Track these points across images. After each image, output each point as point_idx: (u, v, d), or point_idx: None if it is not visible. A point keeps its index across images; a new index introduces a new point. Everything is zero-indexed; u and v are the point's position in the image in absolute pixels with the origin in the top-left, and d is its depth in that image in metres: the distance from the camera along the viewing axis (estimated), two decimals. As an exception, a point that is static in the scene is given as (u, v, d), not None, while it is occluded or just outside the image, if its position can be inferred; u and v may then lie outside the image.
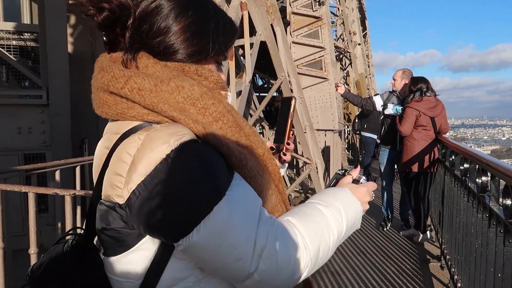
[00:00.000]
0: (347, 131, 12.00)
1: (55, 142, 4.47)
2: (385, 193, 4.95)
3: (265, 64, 8.45)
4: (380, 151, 4.96)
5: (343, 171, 1.02)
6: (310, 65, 8.97)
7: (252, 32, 5.26)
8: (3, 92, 4.47)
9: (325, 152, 7.34)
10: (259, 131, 7.89)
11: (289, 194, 6.20)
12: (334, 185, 0.99)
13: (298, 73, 8.03)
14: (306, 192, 7.28)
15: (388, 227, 4.93)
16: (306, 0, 9.03)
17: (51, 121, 4.49)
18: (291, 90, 6.23)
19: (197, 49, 0.84)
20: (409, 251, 4.18)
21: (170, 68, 0.82)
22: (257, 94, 11.03)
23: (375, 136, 7.84)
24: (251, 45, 5.14)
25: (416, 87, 4.29)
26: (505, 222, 1.89)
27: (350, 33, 13.38)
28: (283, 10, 9.23)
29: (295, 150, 7.20)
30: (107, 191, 0.78)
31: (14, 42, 4.76)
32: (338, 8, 13.25)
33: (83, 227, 0.91)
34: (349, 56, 13.55)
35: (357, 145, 12.08)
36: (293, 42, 9.00)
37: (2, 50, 4.57)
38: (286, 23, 8.94)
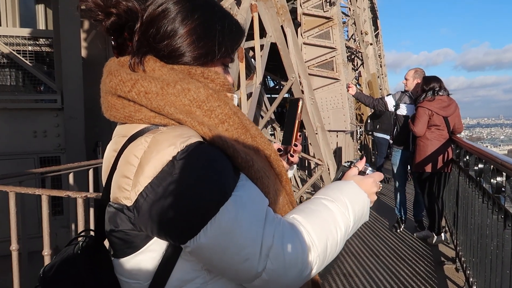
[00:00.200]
0: (360, 131, 11.90)
1: (70, 145, 4.54)
2: (398, 194, 4.89)
3: (276, 65, 8.45)
4: (393, 152, 4.91)
5: (349, 163, 1.01)
6: (322, 66, 8.93)
7: (263, 33, 5.27)
8: (20, 97, 4.57)
9: (337, 153, 7.30)
10: (270, 132, 7.88)
11: (301, 196, 6.17)
12: (341, 178, 0.98)
13: (309, 74, 8.00)
14: (318, 193, 7.22)
15: (401, 229, 4.87)
16: (317, 1, 8.99)
17: (66, 124, 4.56)
18: (302, 91, 6.21)
19: (204, 51, 0.85)
20: (423, 253, 4.12)
21: (176, 71, 0.83)
22: (269, 95, 11.04)
23: (387, 137, 7.77)
24: (262, 46, 5.15)
25: (428, 87, 4.24)
26: (521, 223, 1.85)
27: (361, 33, 13.28)
28: (293, 11, 9.22)
29: (307, 151, 7.17)
30: (115, 193, 0.79)
31: (30, 48, 4.86)
32: (350, 8, 13.17)
33: (94, 229, 0.93)
34: (361, 56, 13.44)
35: (370, 146, 11.97)
36: (304, 43, 8.98)
37: (18, 55, 4.67)
38: (297, 24, 8.92)
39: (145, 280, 0.81)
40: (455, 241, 3.86)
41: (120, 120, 0.85)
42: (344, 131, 7.96)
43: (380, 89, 15.51)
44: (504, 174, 2.19)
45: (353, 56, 13.36)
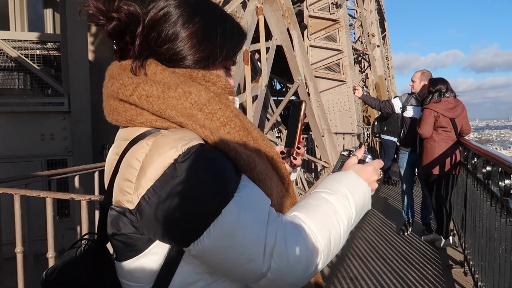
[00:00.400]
0: (367, 134, 11.85)
1: (76, 148, 4.58)
2: (406, 197, 4.86)
3: (282, 68, 8.45)
4: (400, 154, 4.88)
5: (347, 152, 1.01)
6: (328, 68, 8.90)
7: (268, 36, 5.27)
8: (28, 100, 4.62)
9: (344, 156, 7.24)
10: (276, 135, 7.87)
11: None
12: (340, 168, 0.97)
13: (316, 76, 7.98)
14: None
15: (409, 232, 4.83)
16: (323, 3, 8.98)
17: (73, 127, 4.60)
18: (308, 94, 6.20)
19: (205, 55, 0.85)
20: (431, 256, 4.08)
21: (178, 75, 0.83)
22: (275, 98, 11.04)
23: (395, 139, 7.72)
24: (267, 49, 5.15)
25: (435, 88, 4.21)
26: (529, 227, 1.82)
27: (368, 35, 13.24)
28: (300, 14, 9.22)
29: (313, 154, 7.15)
30: (117, 196, 0.79)
31: (38, 52, 4.91)
32: (356, 11, 13.14)
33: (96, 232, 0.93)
34: (368, 58, 13.39)
35: (377, 148, 11.91)
36: (311, 46, 8.96)
37: (26, 59, 4.72)
38: (303, 27, 8.91)
39: (148, 283, 0.80)
40: (463, 244, 3.81)
41: (122, 124, 0.85)
42: (351, 133, 7.92)
43: (388, 91, 15.43)
44: (513, 176, 2.17)
45: (360, 58, 13.32)
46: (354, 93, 5.22)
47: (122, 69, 0.84)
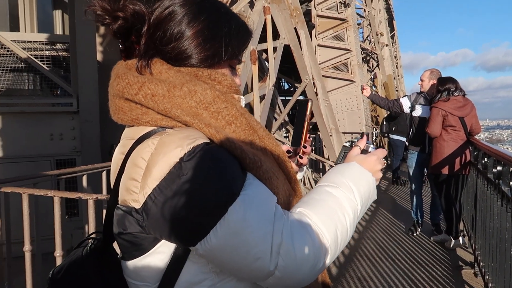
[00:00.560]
0: (375, 134, 11.77)
1: (85, 148, 4.62)
2: (415, 197, 4.81)
3: (290, 68, 8.44)
4: (409, 154, 4.84)
5: (350, 143, 0.99)
6: (336, 67, 8.86)
7: (276, 36, 5.26)
8: (37, 100, 4.66)
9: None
10: (284, 134, 7.86)
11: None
12: (343, 160, 0.96)
13: (324, 76, 7.95)
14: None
15: (418, 232, 4.78)
16: (331, 3, 8.94)
17: (81, 127, 4.64)
18: (316, 93, 6.18)
19: (210, 53, 0.84)
20: (441, 257, 4.04)
21: (183, 73, 0.83)
22: (283, 98, 11.02)
23: (403, 139, 7.66)
24: (275, 48, 5.14)
25: (443, 87, 4.16)
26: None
27: (377, 35, 13.15)
28: (307, 14, 9.18)
29: (321, 154, 7.12)
30: (123, 196, 0.79)
31: (47, 53, 4.96)
32: (365, 10, 13.05)
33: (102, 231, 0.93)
34: (377, 57, 13.31)
35: (386, 148, 11.84)
36: (319, 45, 8.93)
37: (36, 60, 4.77)
38: (311, 26, 8.89)
39: (154, 282, 0.80)
40: (473, 245, 3.77)
41: (127, 123, 0.85)
42: (359, 133, 7.88)
43: (396, 90, 15.32)
44: (524, 176, 2.14)
45: (368, 58, 13.24)
46: (362, 92, 5.19)
47: (127, 68, 0.84)
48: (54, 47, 5.05)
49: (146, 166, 0.75)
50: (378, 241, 4.55)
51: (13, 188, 2.38)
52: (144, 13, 0.83)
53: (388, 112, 8.23)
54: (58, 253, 2.17)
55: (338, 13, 8.88)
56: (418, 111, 4.64)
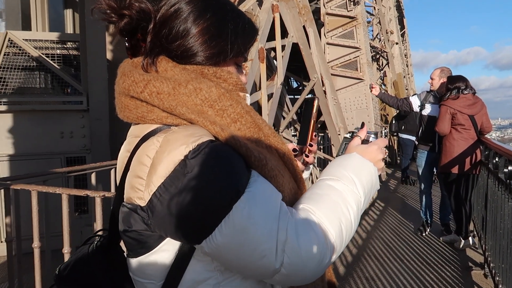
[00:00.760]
0: (385, 132, 11.68)
1: (95, 146, 4.66)
2: (424, 197, 4.77)
3: (299, 66, 8.41)
4: (418, 153, 4.79)
5: (350, 134, 0.98)
6: (345, 66, 8.81)
7: (284, 34, 5.25)
8: (48, 99, 4.71)
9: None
10: (292, 133, 7.84)
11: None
12: (344, 151, 0.95)
13: (333, 74, 7.91)
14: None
15: (427, 232, 4.74)
16: (340, 0, 8.89)
17: (91, 125, 4.68)
18: (324, 92, 6.15)
19: (216, 51, 0.84)
20: (450, 257, 4.00)
21: (188, 71, 0.82)
22: (292, 96, 11.00)
23: (413, 138, 7.59)
24: (283, 47, 5.13)
25: (453, 85, 4.12)
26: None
27: (387, 33, 13.04)
28: (317, 12, 9.14)
29: (330, 153, 7.09)
30: (129, 193, 0.79)
31: (58, 51, 5.00)
32: (374, 7, 12.95)
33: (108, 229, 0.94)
34: (386, 56, 13.20)
35: (395, 147, 11.74)
36: (328, 43, 8.89)
37: (47, 59, 4.81)
38: (320, 25, 8.84)
39: (158, 280, 0.81)
40: (483, 246, 3.72)
41: (133, 121, 0.85)
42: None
43: (406, 89, 15.19)
44: (536, 176, 2.10)
45: (378, 56, 13.14)
46: (371, 91, 5.15)
47: (133, 66, 0.85)
48: (65, 46, 5.09)
49: (151, 164, 0.75)
50: (387, 240, 4.52)
51: (22, 185, 2.41)
52: (150, 11, 0.83)
53: (398, 111, 8.17)
54: (66, 250, 2.20)
55: (348, 11, 8.83)
56: (427, 110, 4.59)
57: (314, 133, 1.04)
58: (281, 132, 6.51)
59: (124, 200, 0.81)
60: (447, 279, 3.48)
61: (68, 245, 2.18)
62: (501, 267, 2.90)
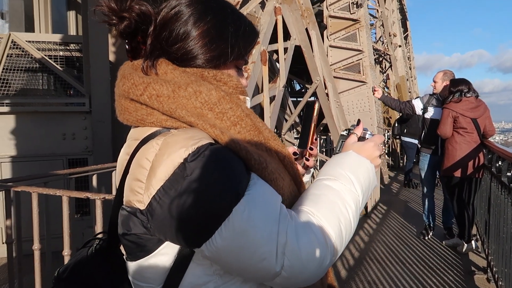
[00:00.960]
0: (387, 136, 11.66)
1: (97, 148, 4.66)
2: (426, 200, 4.75)
3: (301, 69, 8.41)
4: (421, 157, 4.77)
5: (347, 131, 0.98)
6: (348, 68, 8.81)
7: (287, 36, 5.25)
8: (51, 100, 4.72)
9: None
10: (295, 136, 7.83)
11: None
12: (341, 149, 0.95)
13: (335, 77, 7.90)
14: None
15: (429, 236, 4.72)
16: (343, 3, 8.89)
17: (93, 127, 4.68)
18: (327, 95, 6.14)
19: (216, 54, 0.84)
20: (452, 261, 3.97)
21: (188, 74, 0.82)
22: (294, 99, 10.98)
23: (415, 141, 7.58)
24: (286, 49, 5.13)
25: (456, 88, 4.11)
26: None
27: (390, 35, 13.03)
28: (319, 14, 9.15)
29: (331, 155, 7.08)
30: (128, 196, 0.79)
31: (61, 53, 5.01)
32: (378, 10, 12.95)
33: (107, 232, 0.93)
34: (389, 58, 13.19)
35: (398, 150, 11.71)
36: (330, 46, 8.89)
37: (50, 60, 4.83)
38: (323, 27, 8.84)
39: (157, 283, 0.80)
40: (486, 250, 3.70)
41: (133, 124, 0.85)
42: (371, 135, 7.82)
43: (409, 92, 15.16)
44: (539, 181, 2.08)
45: (381, 59, 13.13)
46: (373, 94, 5.14)
47: (133, 69, 0.85)
48: (68, 48, 5.11)
49: (150, 167, 0.75)
50: (389, 244, 4.50)
51: (23, 187, 2.41)
52: (150, 13, 0.83)
53: (400, 114, 8.15)
54: (66, 252, 2.19)
55: (351, 13, 8.83)
56: (430, 113, 4.58)
57: (314, 137, 1.03)
58: (284, 135, 6.50)
59: (124, 203, 0.81)
60: (449, 283, 3.46)
61: (68, 247, 2.18)
62: (504, 272, 2.88)
